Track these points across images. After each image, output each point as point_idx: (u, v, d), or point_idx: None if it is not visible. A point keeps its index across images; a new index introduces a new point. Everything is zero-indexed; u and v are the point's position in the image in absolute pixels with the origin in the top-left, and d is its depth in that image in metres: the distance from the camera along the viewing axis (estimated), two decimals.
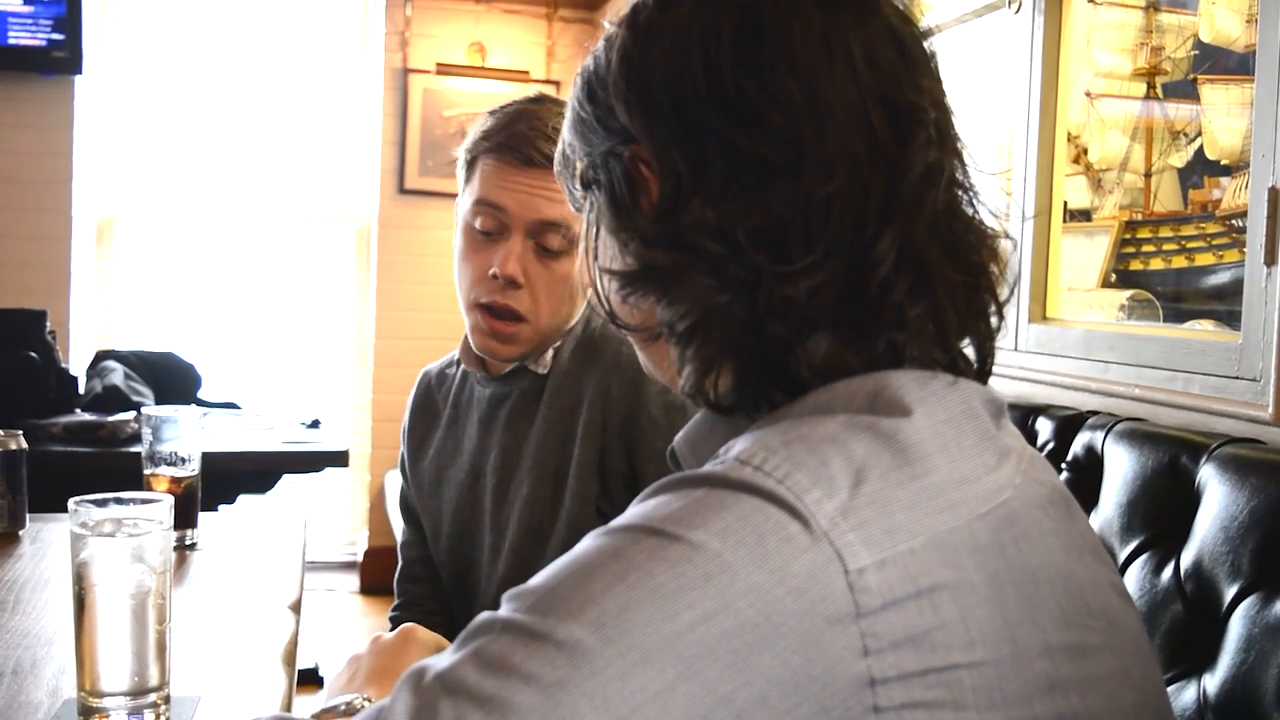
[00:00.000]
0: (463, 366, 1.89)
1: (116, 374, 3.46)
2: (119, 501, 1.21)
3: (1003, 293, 0.92)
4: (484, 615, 0.76)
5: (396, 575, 1.97)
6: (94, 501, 1.19)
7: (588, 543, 0.77)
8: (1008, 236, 0.93)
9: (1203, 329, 2.03)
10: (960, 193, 0.90)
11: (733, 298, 0.84)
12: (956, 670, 0.73)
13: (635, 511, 0.77)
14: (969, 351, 0.91)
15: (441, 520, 1.85)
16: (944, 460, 0.78)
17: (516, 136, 1.67)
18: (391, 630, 1.85)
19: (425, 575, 1.92)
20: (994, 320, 0.92)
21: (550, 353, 1.76)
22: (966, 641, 0.74)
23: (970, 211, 0.90)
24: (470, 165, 1.73)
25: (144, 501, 1.21)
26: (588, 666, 0.69)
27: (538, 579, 0.76)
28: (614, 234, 0.93)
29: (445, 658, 0.74)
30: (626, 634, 0.70)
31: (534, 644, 0.71)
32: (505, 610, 0.75)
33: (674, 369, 0.94)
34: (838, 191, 0.83)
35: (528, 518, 1.71)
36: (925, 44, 0.91)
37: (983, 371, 0.92)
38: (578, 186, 0.99)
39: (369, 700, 1.15)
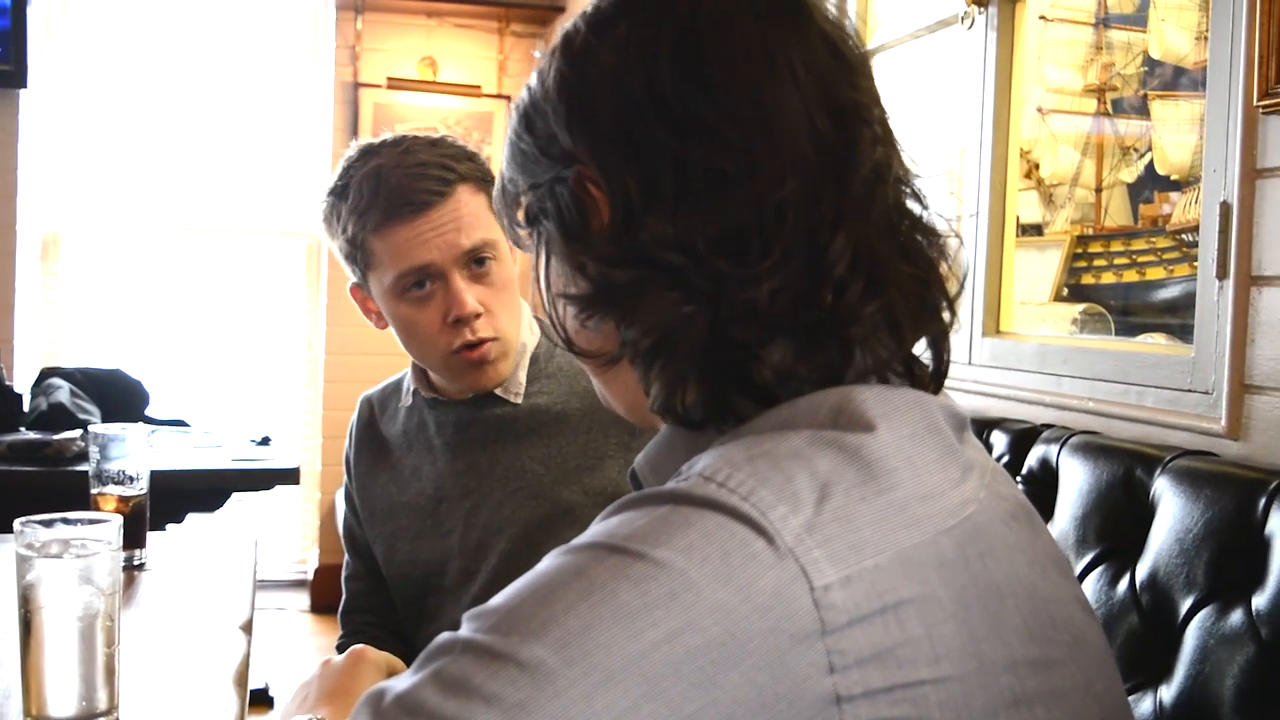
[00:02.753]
0: (410, 393, 1.86)
1: (62, 391, 3.41)
2: (66, 522, 1.18)
3: (952, 288, 0.92)
4: (444, 635, 0.74)
5: (341, 607, 1.94)
6: (40, 522, 1.17)
7: (549, 561, 0.75)
8: (955, 235, 0.93)
9: (1154, 342, 2.05)
10: (906, 189, 0.90)
11: (696, 308, 0.84)
12: (922, 686, 0.73)
13: (598, 529, 0.76)
14: (926, 357, 0.91)
15: (396, 546, 1.83)
16: (909, 475, 0.78)
17: (394, 193, 1.63)
18: None
19: (371, 605, 1.90)
20: (946, 316, 0.91)
21: (521, 376, 1.75)
22: (932, 657, 0.73)
23: (917, 209, 0.90)
24: (360, 250, 1.68)
25: (92, 522, 1.19)
26: (550, 687, 0.68)
27: (499, 599, 0.74)
28: (567, 260, 0.92)
29: (405, 679, 0.73)
30: (590, 654, 0.69)
31: (495, 664, 0.69)
32: (466, 630, 0.73)
33: (630, 394, 0.93)
34: (791, 195, 0.83)
35: (510, 539, 1.70)
36: (857, 49, 0.92)
37: (939, 373, 0.92)
38: (521, 220, 0.98)
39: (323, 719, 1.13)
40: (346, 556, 1.95)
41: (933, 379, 0.90)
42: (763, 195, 0.83)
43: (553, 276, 0.95)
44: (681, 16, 0.87)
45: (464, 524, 1.74)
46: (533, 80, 0.94)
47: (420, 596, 1.80)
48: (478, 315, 1.65)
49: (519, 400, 1.74)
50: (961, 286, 0.93)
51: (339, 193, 1.69)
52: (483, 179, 1.69)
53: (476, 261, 1.67)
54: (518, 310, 1.74)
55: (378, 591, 1.89)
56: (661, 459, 0.93)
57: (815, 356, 0.84)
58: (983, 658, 0.75)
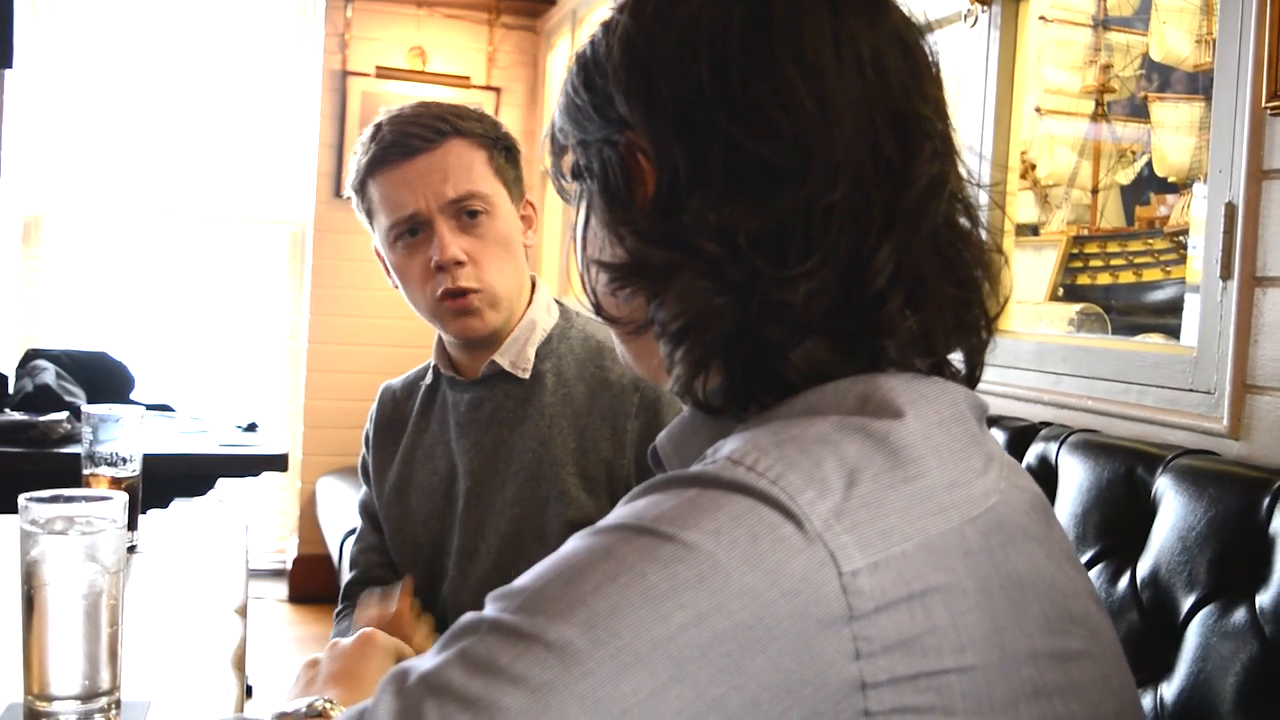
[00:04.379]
0: (432, 376, 1.87)
1: (48, 373, 3.38)
2: (69, 499, 1.16)
3: (993, 307, 0.91)
4: (469, 615, 0.73)
5: (351, 579, 1.91)
6: (43, 498, 1.15)
7: (576, 542, 0.75)
8: (1000, 251, 0.92)
9: (1154, 342, 2.05)
10: (959, 205, 0.89)
11: (728, 300, 0.83)
12: (947, 675, 0.72)
13: (625, 511, 0.75)
14: (956, 360, 0.91)
15: (405, 528, 1.83)
16: (935, 463, 0.77)
17: (386, 140, 1.70)
18: (337, 629, 1.83)
19: (386, 578, 1.88)
20: (984, 334, 0.91)
21: (530, 353, 1.76)
22: (957, 646, 0.73)
23: (967, 225, 0.89)
24: (364, 199, 1.75)
25: (97, 499, 1.17)
26: (578, 668, 0.67)
27: (524, 579, 0.74)
28: (607, 226, 0.91)
29: (429, 659, 0.72)
30: (618, 635, 0.68)
31: (522, 644, 0.69)
32: (491, 610, 0.73)
33: (655, 363, 0.92)
34: (841, 200, 0.81)
35: (511, 520, 1.70)
36: (929, 51, 0.90)
37: (971, 379, 0.91)
38: (566, 173, 0.97)
39: (330, 702, 1.12)
40: (361, 529, 1.94)
41: (964, 383, 0.90)
42: (812, 197, 0.81)
43: (590, 238, 0.95)
44: None
45: (465, 502, 1.75)
46: (598, 34, 0.93)
47: (430, 577, 1.79)
48: (459, 263, 1.68)
49: (526, 376, 1.75)
50: (1003, 306, 0.92)
51: (356, 151, 1.76)
52: (486, 136, 1.73)
53: (466, 213, 1.70)
54: (514, 269, 1.75)
55: (393, 565, 1.88)
56: (685, 439, 0.93)
57: (845, 360, 0.83)
58: (1005, 648, 0.75)
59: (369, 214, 1.75)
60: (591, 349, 1.77)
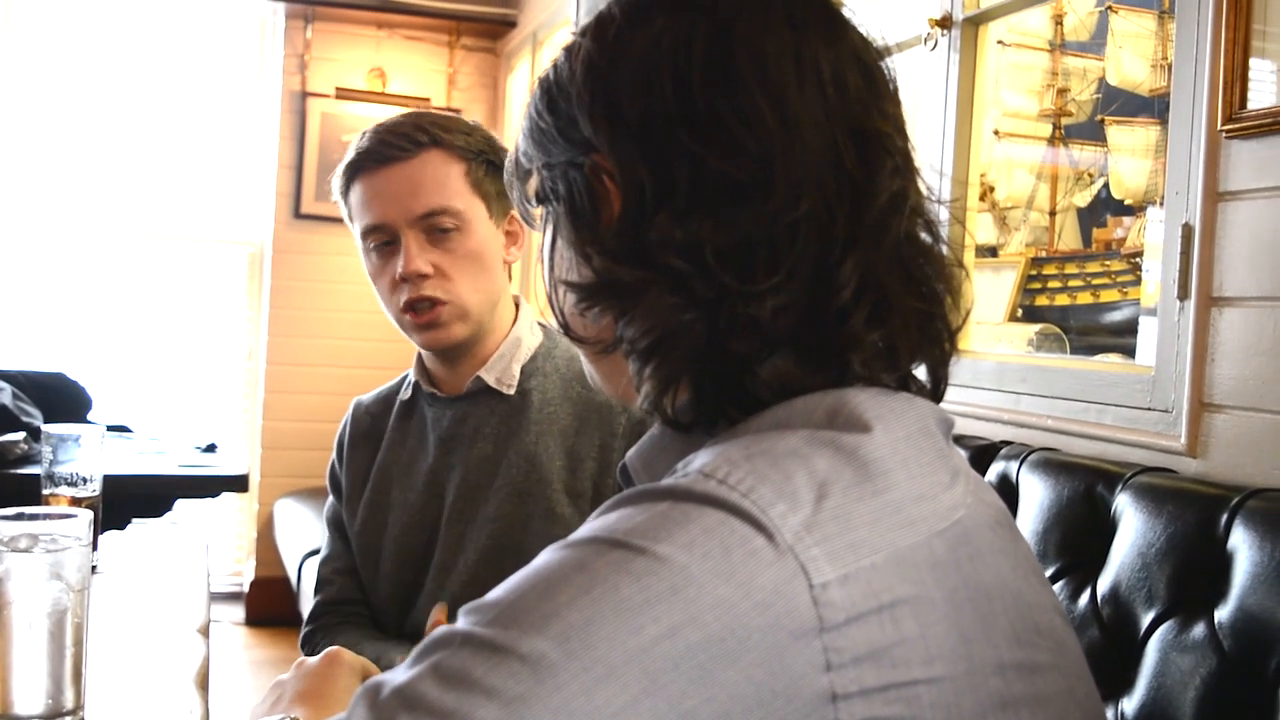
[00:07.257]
0: (409, 391, 1.86)
1: (4, 394, 3.34)
2: (31, 516, 1.16)
3: (955, 320, 0.92)
4: (442, 629, 0.73)
5: (324, 598, 1.87)
6: (5, 516, 1.14)
7: (548, 556, 0.75)
8: (961, 266, 0.94)
9: (1112, 362, 2.08)
10: (920, 220, 0.90)
11: (696, 316, 0.83)
12: (916, 686, 0.73)
13: (597, 525, 0.76)
14: (921, 375, 0.92)
15: (377, 543, 1.81)
16: (904, 476, 0.78)
17: (365, 145, 1.70)
18: (304, 650, 1.81)
19: (364, 598, 1.86)
20: (947, 346, 0.92)
21: (515, 370, 1.75)
22: (925, 657, 0.74)
23: (928, 240, 0.91)
24: (346, 207, 1.76)
25: (61, 516, 1.16)
26: (551, 681, 0.68)
27: (497, 592, 0.74)
28: (573, 246, 0.91)
29: (402, 672, 0.72)
30: (591, 648, 0.68)
31: (496, 658, 0.69)
32: (465, 623, 0.73)
33: (624, 382, 0.93)
34: (805, 216, 0.82)
35: (490, 535, 1.69)
36: (888, 71, 0.91)
37: (936, 394, 0.93)
38: (530, 197, 0.97)
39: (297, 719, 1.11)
40: (330, 548, 1.91)
41: (929, 397, 0.91)
42: (776, 212, 0.82)
43: (557, 259, 0.95)
44: (718, 18, 0.86)
45: (449, 517, 1.74)
46: (560, 58, 0.94)
47: (402, 590, 1.78)
48: (422, 276, 1.67)
49: (511, 392, 1.75)
50: (965, 318, 0.93)
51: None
52: (466, 149, 1.72)
53: (438, 231, 1.69)
54: (487, 283, 1.74)
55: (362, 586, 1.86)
56: (655, 455, 0.93)
57: (812, 375, 0.84)
58: (973, 659, 0.76)
59: (350, 218, 1.76)
60: (577, 370, 1.76)
